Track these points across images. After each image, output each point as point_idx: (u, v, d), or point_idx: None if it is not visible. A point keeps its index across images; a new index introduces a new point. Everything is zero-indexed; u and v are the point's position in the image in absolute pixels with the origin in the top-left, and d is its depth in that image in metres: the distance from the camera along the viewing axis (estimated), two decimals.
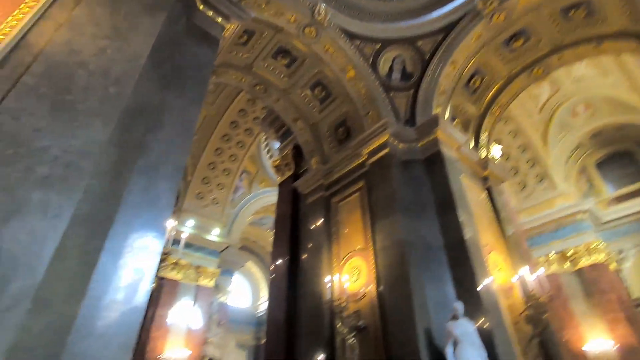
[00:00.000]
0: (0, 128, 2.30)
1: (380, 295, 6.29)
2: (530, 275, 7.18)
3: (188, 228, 19.02)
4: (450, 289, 5.95)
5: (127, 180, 3.40)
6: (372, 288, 6.50)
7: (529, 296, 6.83)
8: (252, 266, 28.26)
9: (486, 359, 4.76)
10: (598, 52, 8.82)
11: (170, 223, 5.05)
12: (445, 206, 6.64)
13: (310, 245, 8.41)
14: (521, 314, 6.42)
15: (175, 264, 17.90)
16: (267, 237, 27.67)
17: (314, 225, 8.54)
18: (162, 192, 3.70)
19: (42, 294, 2.41)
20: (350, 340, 6.21)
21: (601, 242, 14.22)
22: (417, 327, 5.35)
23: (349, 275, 6.85)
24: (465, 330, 4.93)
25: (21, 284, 2.06)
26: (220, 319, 19.77)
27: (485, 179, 8.53)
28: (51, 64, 2.69)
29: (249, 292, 28.08)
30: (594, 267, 13.07)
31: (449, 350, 4.90)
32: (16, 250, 2.10)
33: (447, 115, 8.30)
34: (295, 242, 9.59)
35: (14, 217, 2.15)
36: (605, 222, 17.48)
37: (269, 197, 22.29)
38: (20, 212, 2.17)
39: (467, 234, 6.26)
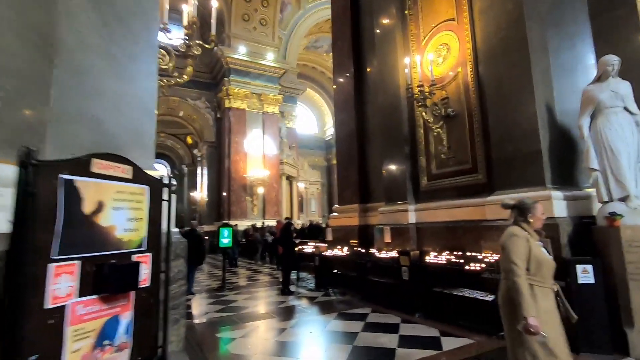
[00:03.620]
0: None
1: (478, 73, 4.80)
2: None
3: (240, 55, 17.86)
4: (587, 48, 4.19)
5: None
6: (465, 69, 4.99)
7: None
8: (313, 94, 27.61)
9: None
10: None
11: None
12: None
13: (380, 30, 6.67)
14: None
15: (238, 93, 17.73)
16: (325, 61, 25.65)
17: (382, 3, 6.57)
18: None
19: None
20: (437, 131, 5.22)
21: None
22: (537, 102, 3.99)
23: (434, 57, 5.30)
24: (616, 92, 3.45)
25: None
26: (291, 142, 20.61)
27: None
28: None
29: (314, 120, 28.48)
30: None
31: (584, 122, 3.61)
32: None
33: None
34: (358, 38, 7.91)
35: None
36: None
37: (321, 11, 19.28)
38: None
39: None
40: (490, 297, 3.79)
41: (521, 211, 2.19)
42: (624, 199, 3.34)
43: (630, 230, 3.17)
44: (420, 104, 5.08)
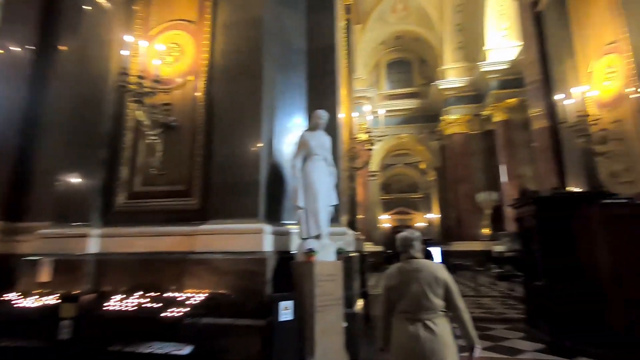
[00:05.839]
0: None
1: (211, 88, 4.38)
2: (356, 121, 7.08)
3: None
4: (302, 99, 4.75)
5: None
6: (197, 80, 4.44)
7: (353, 137, 6.75)
8: None
9: (334, 176, 4.08)
10: None
11: None
12: (323, 2, 5.00)
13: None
14: (349, 149, 6.25)
15: None
16: None
17: None
18: None
19: None
20: (152, 140, 4.22)
21: (366, 125, 17.06)
22: (262, 134, 3.99)
23: (166, 50, 4.43)
24: (322, 143, 3.99)
25: None
26: None
27: (347, 8, 7.30)
28: None
29: None
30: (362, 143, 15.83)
31: (297, 163, 3.89)
32: None
33: None
34: None
35: None
36: (374, 112, 21.05)
37: None
38: None
39: (335, 43, 5.01)
40: (186, 350, 3.08)
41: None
42: (318, 237, 3.74)
43: (320, 265, 3.52)
44: (136, 99, 3.96)
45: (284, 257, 3.83)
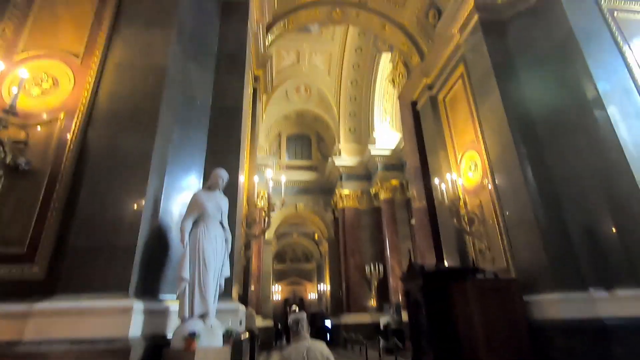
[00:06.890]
0: None
1: (87, 130, 3.68)
2: (255, 186, 6.91)
3: None
4: (200, 160, 4.35)
5: None
6: (70, 117, 3.71)
7: (252, 203, 6.47)
8: None
9: (230, 243, 3.61)
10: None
11: None
12: (236, 63, 4.96)
13: None
14: (247, 215, 5.86)
15: None
16: None
17: None
18: None
19: None
20: None
21: (266, 192, 17.12)
22: (148, 191, 3.39)
23: (33, 79, 3.63)
24: (219, 205, 3.57)
25: None
26: None
27: (256, 78, 7.53)
28: None
29: None
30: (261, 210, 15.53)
31: (187, 225, 3.35)
32: None
33: None
34: None
35: None
36: (275, 180, 21.42)
37: None
38: None
39: (243, 105, 4.92)
40: None
41: None
42: (204, 316, 3.13)
43: (203, 353, 2.88)
44: None
45: (157, 344, 3.05)
